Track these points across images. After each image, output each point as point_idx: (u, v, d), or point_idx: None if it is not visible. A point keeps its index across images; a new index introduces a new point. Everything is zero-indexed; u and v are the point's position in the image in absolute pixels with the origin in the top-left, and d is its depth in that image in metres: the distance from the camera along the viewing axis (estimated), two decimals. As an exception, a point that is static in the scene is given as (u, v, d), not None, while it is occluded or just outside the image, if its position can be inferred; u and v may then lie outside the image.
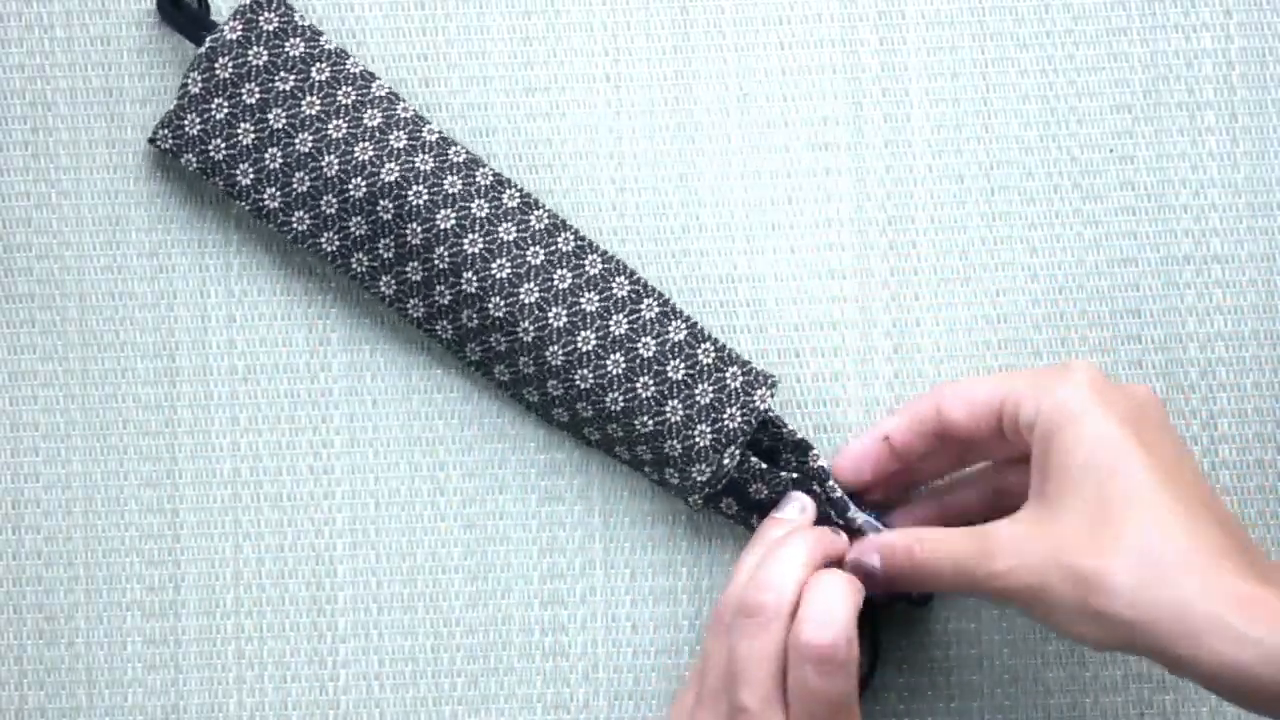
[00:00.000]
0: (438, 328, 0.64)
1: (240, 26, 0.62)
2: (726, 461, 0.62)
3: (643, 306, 0.63)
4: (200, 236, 0.68)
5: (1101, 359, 0.67)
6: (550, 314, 0.63)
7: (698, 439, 0.62)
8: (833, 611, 0.56)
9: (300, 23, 0.63)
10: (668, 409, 0.63)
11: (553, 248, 0.63)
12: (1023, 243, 0.67)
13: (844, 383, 0.67)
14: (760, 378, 0.63)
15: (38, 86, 0.69)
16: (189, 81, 0.63)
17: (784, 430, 0.62)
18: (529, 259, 0.62)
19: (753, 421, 0.62)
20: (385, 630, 0.67)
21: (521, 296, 0.62)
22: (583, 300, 0.63)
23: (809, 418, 0.67)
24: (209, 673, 0.67)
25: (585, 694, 0.67)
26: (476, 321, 0.63)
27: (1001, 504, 0.60)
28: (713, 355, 0.63)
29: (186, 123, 0.62)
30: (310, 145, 0.62)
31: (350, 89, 0.62)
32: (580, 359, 0.63)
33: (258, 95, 0.62)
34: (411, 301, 0.63)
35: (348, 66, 0.63)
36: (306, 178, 0.62)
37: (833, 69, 0.68)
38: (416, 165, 0.62)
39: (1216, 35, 0.68)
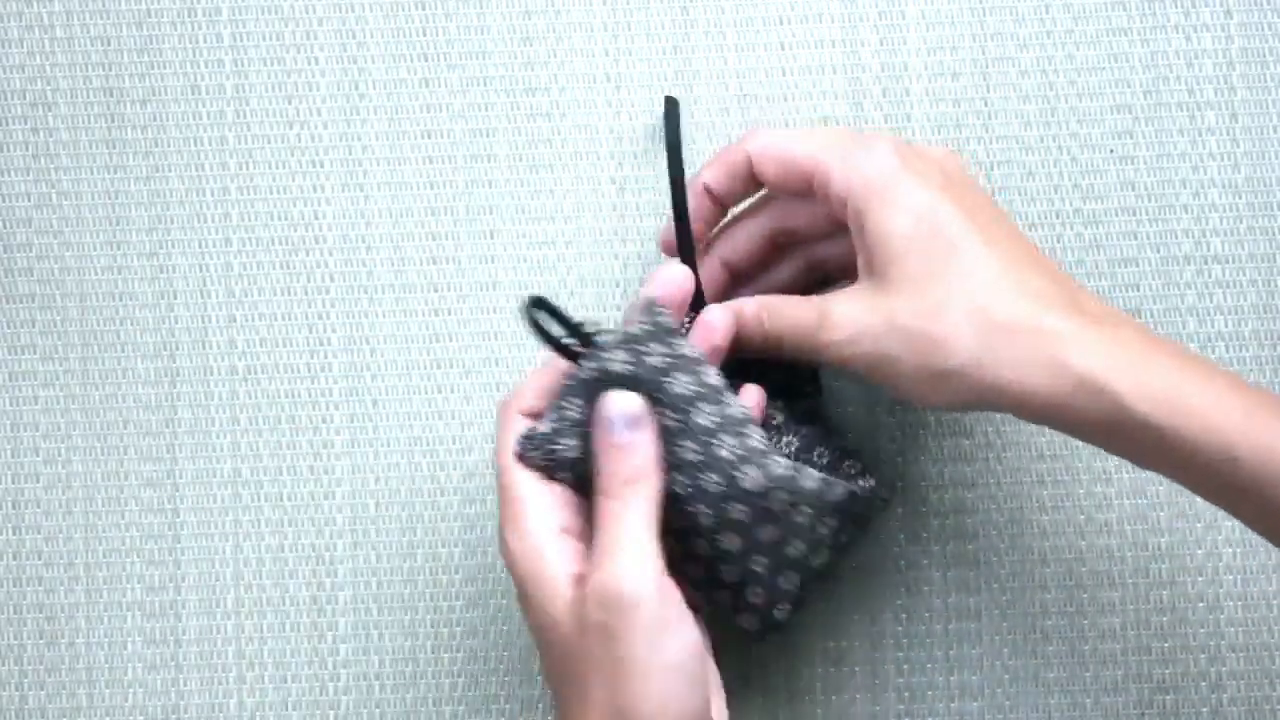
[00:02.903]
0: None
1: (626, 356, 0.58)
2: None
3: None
4: (200, 236, 0.68)
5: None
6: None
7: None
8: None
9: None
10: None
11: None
12: (1023, 243, 0.67)
13: (844, 382, 0.67)
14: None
15: (38, 86, 0.69)
16: (567, 405, 0.58)
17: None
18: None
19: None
20: (385, 630, 0.67)
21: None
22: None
23: (809, 418, 0.67)
24: (209, 673, 0.67)
25: (585, 694, 0.67)
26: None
27: (822, 282, 0.62)
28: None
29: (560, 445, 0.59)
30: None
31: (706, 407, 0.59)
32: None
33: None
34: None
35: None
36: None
37: (833, 69, 0.68)
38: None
39: (1216, 35, 0.68)
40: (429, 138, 0.68)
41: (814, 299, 0.58)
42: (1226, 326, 0.67)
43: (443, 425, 0.67)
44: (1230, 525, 0.66)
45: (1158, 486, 0.67)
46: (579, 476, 0.57)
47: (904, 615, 0.67)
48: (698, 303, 0.60)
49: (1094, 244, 0.67)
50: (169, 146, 0.68)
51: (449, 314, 0.68)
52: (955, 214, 0.56)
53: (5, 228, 0.68)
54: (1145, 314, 0.67)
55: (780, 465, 0.56)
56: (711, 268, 0.62)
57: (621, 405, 0.56)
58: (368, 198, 0.68)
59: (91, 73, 0.69)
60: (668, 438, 0.56)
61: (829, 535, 0.59)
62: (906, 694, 0.66)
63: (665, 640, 0.53)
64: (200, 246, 0.68)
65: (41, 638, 0.67)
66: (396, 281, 0.68)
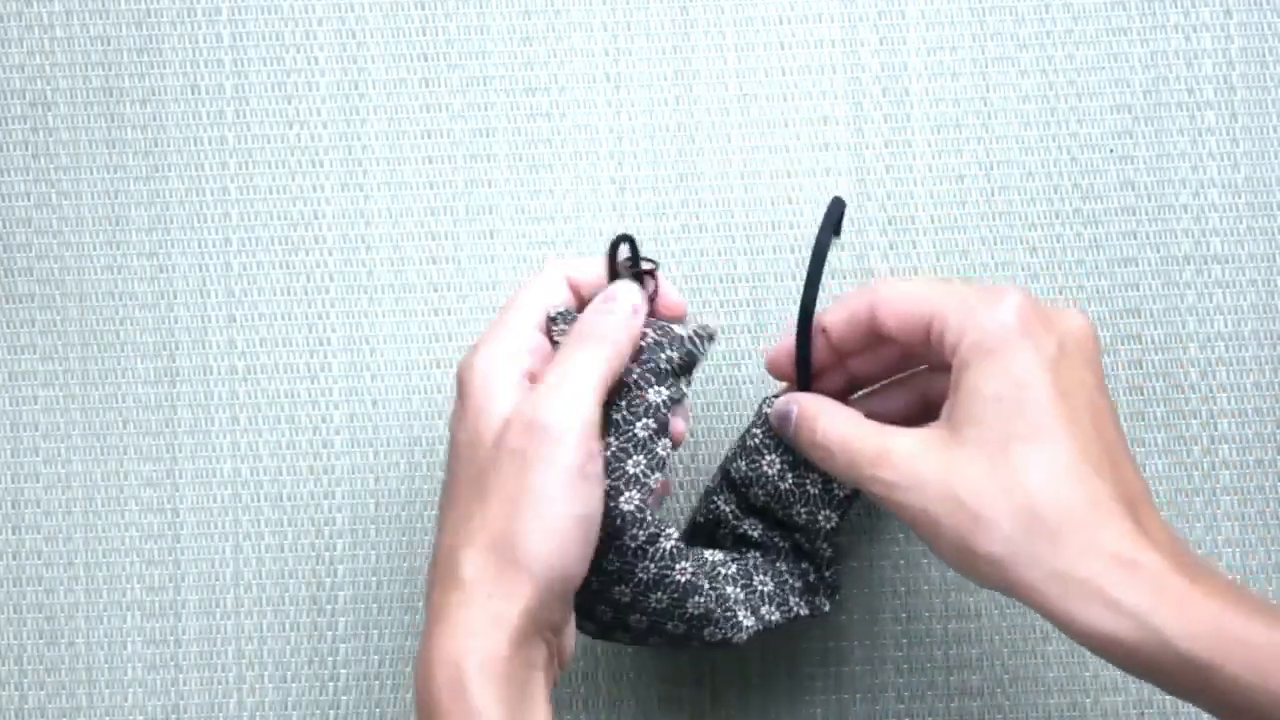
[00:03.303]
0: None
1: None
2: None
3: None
4: (200, 236, 0.68)
5: (1101, 360, 0.67)
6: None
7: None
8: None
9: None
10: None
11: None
12: (1022, 243, 0.67)
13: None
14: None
15: (38, 86, 0.69)
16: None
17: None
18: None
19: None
20: (385, 630, 0.67)
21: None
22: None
23: (809, 418, 0.67)
24: (209, 673, 0.67)
25: (586, 693, 0.67)
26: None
27: (929, 414, 0.59)
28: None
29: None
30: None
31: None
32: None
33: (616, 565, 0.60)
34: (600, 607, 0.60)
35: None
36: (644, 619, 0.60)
37: (833, 69, 0.68)
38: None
39: (1216, 35, 0.68)
40: (429, 138, 0.68)
41: (882, 428, 0.56)
42: (1226, 326, 0.67)
43: (442, 425, 0.67)
44: (1230, 525, 0.66)
45: (1158, 486, 0.67)
46: None
47: (904, 615, 0.67)
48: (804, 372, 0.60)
49: (1094, 244, 0.67)
50: (169, 146, 0.68)
51: (449, 314, 0.68)
52: (1048, 394, 0.53)
53: (5, 228, 0.68)
54: (1145, 314, 0.67)
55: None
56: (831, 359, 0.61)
57: (629, 289, 0.58)
58: (368, 198, 0.68)
59: (91, 73, 0.69)
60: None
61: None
62: (906, 694, 0.66)
63: (575, 488, 0.54)
64: (200, 246, 0.68)
65: (41, 638, 0.67)
66: (396, 281, 0.68)
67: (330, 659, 0.67)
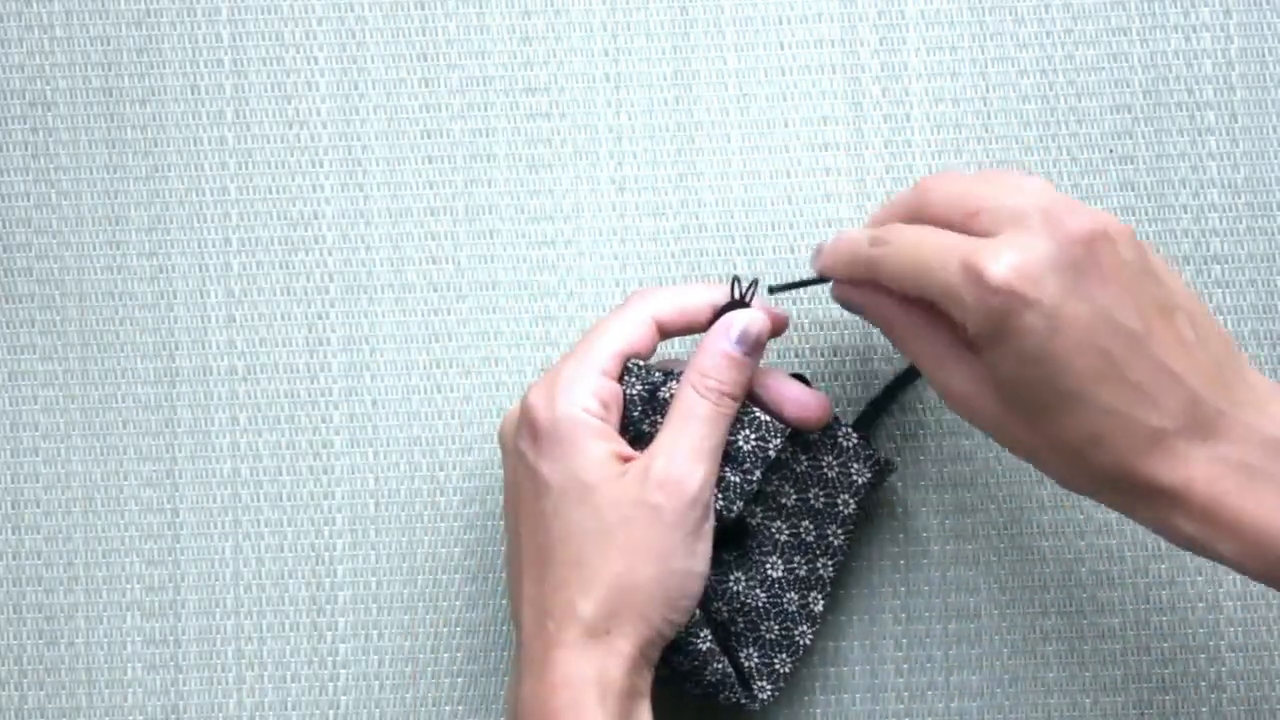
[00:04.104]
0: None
1: None
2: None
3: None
4: (200, 236, 0.68)
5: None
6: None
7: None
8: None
9: None
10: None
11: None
12: (1022, 243, 0.67)
13: (844, 382, 0.67)
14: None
15: (38, 86, 0.69)
16: None
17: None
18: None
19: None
20: (385, 630, 0.67)
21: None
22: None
23: (809, 418, 0.67)
24: (209, 673, 0.67)
25: (585, 694, 0.67)
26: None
27: None
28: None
29: None
30: None
31: None
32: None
33: None
34: None
35: None
36: None
37: (833, 69, 0.68)
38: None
39: (1216, 35, 0.68)
40: (429, 138, 0.68)
41: (948, 347, 0.57)
42: (1226, 326, 0.67)
43: (443, 425, 0.67)
44: (1230, 525, 0.66)
45: (1157, 486, 0.67)
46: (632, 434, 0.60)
47: (904, 615, 0.67)
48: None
49: (1094, 244, 0.67)
50: (169, 146, 0.68)
51: (449, 314, 0.68)
52: (1067, 360, 0.53)
53: (5, 228, 0.68)
54: (1145, 314, 0.67)
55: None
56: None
57: (751, 320, 0.60)
58: (367, 198, 0.68)
59: (91, 73, 0.69)
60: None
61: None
62: (906, 694, 0.66)
63: (698, 546, 0.58)
64: (200, 246, 0.68)
65: (41, 638, 0.67)
66: (396, 281, 0.68)
67: (330, 659, 0.67)
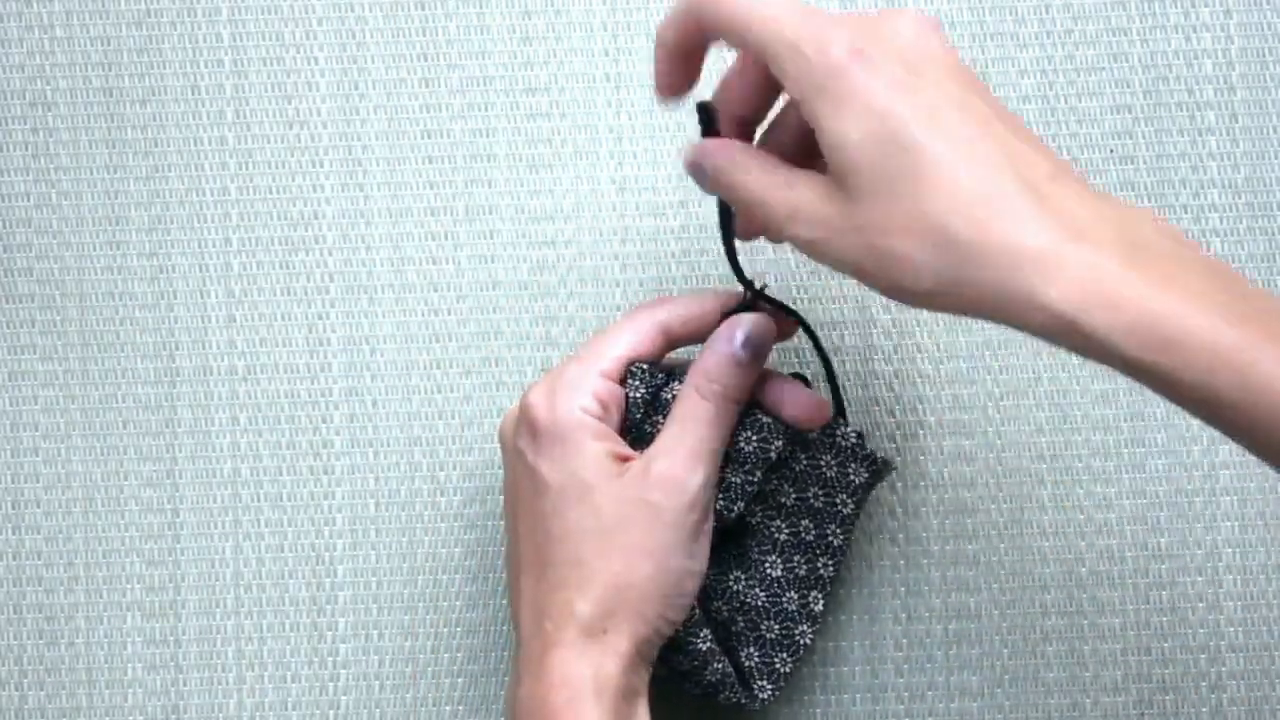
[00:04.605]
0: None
1: None
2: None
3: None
4: (200, 236, 0.68)
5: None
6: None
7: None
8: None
9: None
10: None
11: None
12: (1023, 243, 0.67)
13: (843, 382, 0.67)
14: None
15: (38, 86, 0.69)
16: None
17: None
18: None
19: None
20: (385, 630, 0.67)
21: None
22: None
23: (809, 418, 0.67)
24: (209, 673, 0.67)
25: (585, 694, 0.67)
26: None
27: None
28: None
29: None
30: None
31: None
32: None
33: None
34: None
35: None
36: None
37: (833, 69, 0.68)
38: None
39: (1216, 35, 0.68)
40: (429, 138, 0.68)
41: (792, 176, 0.53)
42: (1226, 326, 0.67)
43: (443, 425, 0.67)
44: (1230, 525, 0.66)
45: (1158, 486, 0.67)
46: (633, 434, 0.60)
47: (904, 615, 0.67)
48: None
49: (1094, 244, 0.67)
50: (169, 146, 0.68)
51: (449, 314, 0.68)
52: (913, 117, 0.50)
53: (5, 228, 0.68)
54: (1145, 314, 0.67)
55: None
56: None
57: (756, 324, 0.59)
58: (368, 198, 0.68)
59: (91, 73, 0.69)
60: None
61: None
62: (906, 694, 0.66)
63: (697, 546, 0.58)
64: (200, 246, 0.68)
65: (41, 638, 0.67)
66: (396, 281, 0.68)
67: (330, 659, 0.67)
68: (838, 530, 0.62)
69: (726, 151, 0.55)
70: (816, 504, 0.62)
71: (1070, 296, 0.48)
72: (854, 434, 0.61)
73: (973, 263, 0.49)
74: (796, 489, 0.62)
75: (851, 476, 0.62)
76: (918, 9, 0.67)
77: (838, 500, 0.62)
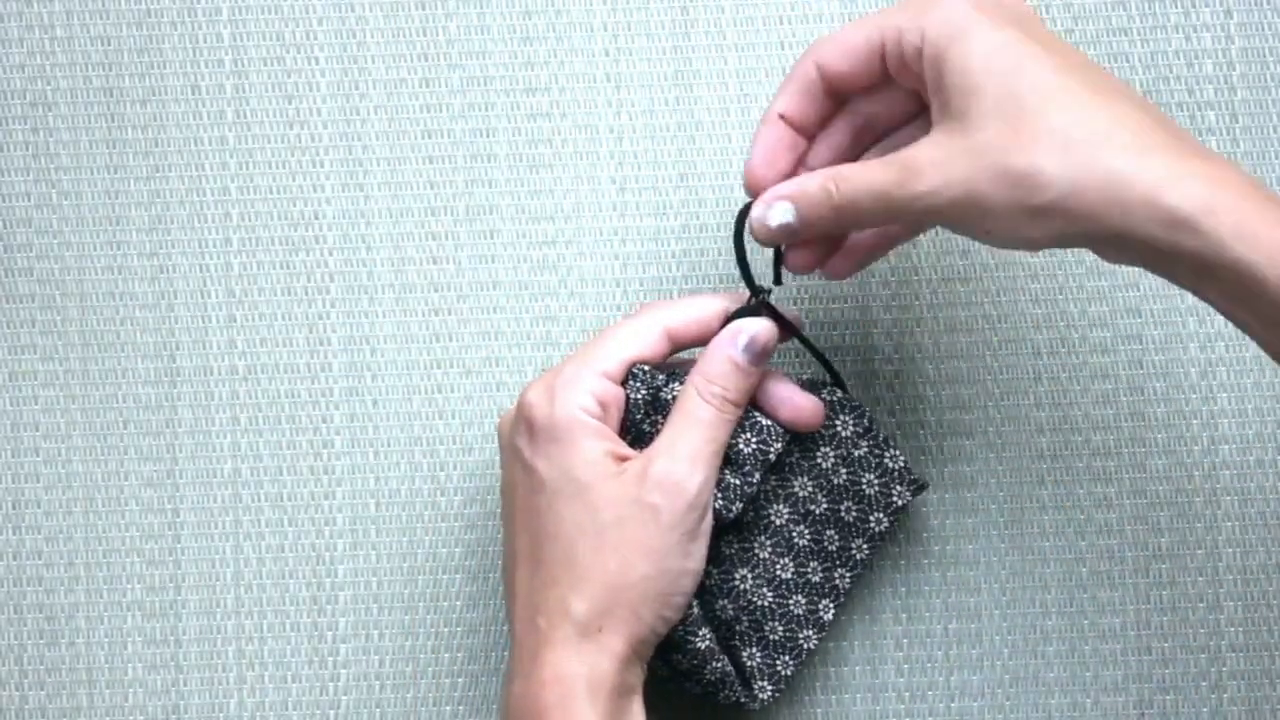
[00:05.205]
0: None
1: None
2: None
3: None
4: (200, 236, 0.68)
5: (1101, 359, 0.67)
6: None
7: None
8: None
9: None
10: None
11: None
12: (1023, 243, 0.67)
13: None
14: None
15: (38, 86, 0.69)
16: None
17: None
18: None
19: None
20: (385, 630, 0.67)
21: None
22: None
23: (809, 418, 0.67)
24: (209, 673, 0.67)
25: (585, 694, 0.67)
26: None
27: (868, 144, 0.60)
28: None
29: None
30: None
31: None
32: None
33: None
34: None
35: None
36: None
37: (833, 69, 0.68)
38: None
39: (1216, 35, 0.68)
40: (429, 138, 0.68)
41: (887, 157, 0.56)
42: (1226, 326, 0.67)
43: (443, 425, 0.67)
44: (1230, 525, 0.66)
45: (1158, 486, 0.67)
46: (632, 433, 0.60)
47: (904, 615, 0.67)
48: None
49: (1094, 244, 0.67)
50: (169, 146, 0.68)
51: (449, 314, 0.68)
52: (1035, 49, 0.53)
53: (5, 228, 0.68)
54: (1145, 314, 0.67)
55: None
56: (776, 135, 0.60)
57: (760, 330, 0.59)
58: (368, 198, 0.68)
59: (91, 73, 0.69)
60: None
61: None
62: (906, 694, 0.66)
63: (694, 547, 0.58)
64: (200, 246, 0.68)
65: (41, 638, 0.67)
66: (396, 281, 0.68)
67: (330, 659, 0.67)
68: (864, 545, 0.62)
69: (809, 178, 0.57)
70: (848, 518, 0.62)
71: (1195, 203, 0.51)
72: (902, 457, 0.62)
73: (1100, 170, 0.52)
74: (830, 500, 0.62)
75: (894, 498, 0.62)
76: None
77: (871, 518, 0.62)
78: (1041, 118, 0.52)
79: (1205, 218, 0.50)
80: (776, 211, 0.57)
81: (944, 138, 0.54)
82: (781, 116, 0.58)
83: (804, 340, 0.62)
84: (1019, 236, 0.54)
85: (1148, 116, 0.53)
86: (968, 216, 0.54)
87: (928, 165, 0.54)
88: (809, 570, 0.62)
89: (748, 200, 0.59)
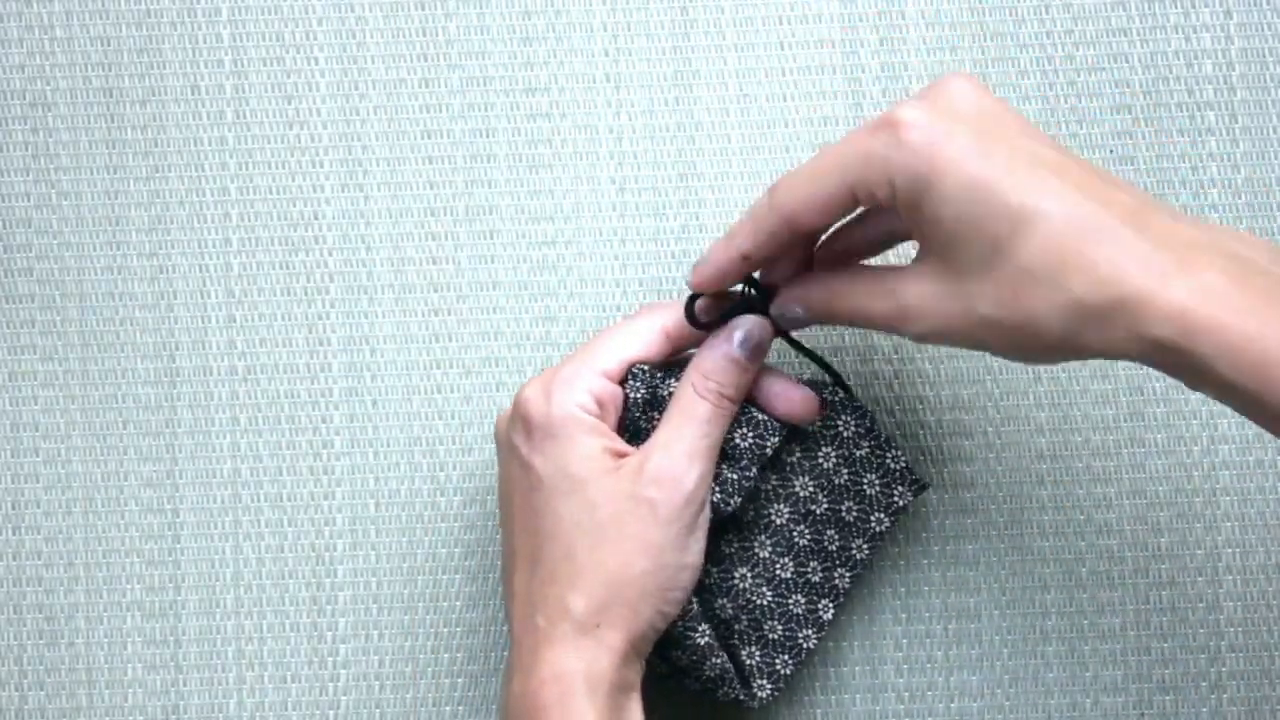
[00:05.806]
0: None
1: None
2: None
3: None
4: (200, 237, 0.68)
5: (1102, 361, 0.67)
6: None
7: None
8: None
9: None
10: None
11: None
12: (1023, 243, 0.67)
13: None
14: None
15: (38, 86, 0.69)
16: None
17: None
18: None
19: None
20: (385, 630, 0.67)
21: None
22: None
23: (809, 418, 0.67)
24: (209, 673, 0.67)
25: (585, 694, 0.67)
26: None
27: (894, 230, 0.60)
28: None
29: None
30: None
31: None
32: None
33: None
34: None
35: None
36: None
37: (833, 69, 0.68)
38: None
39: (1216, 35, 0.68)
40: (429, 138, 0.68)
41: (885, 282, 0.56)
42: (1226, 326, 0.67)
43: (443, 425, 0.67)
44: (1230, 525, 0.66)
45: (1158, 486, 0.67)
46: (630, 431, 0.60)
47: (904, 615, 0.67)
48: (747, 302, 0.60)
49: (1094, 244, 0.67)
50: (169, 146, 0.68)
51: (449, 314, 0.68)
52: (1001, 171, 0.52)
53: (5, 228, 0.68)
54: (1145, 314, 0.67)
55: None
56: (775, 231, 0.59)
57: (754, 327, 0.60)
58: (368, 198, 0.68)
59: (91, 73, 0.69)
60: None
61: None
62: (906, 694, 0.66)
63: (693, 542, 0.58)
64: (200, 246, 0.68)
65: (41, 638, 0.67)
66: (396, 281, 0.68)
67: (330, 659, 0.67)
68: (864, 545, 0.62)
69: (819, 286, 0.58)
70: (849, 518, 0.62)
71: (1176, 331, 0.50)
72: (904, 458, 0.62)
73: (1092, 314, 0.51)
74: (831, 500, 0.62)
75: (896, 499, 0.62)
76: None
77: (872, 518, 0.62)
78: (1022, 264, 0.52)
79: (1186, 341, 0.50)
80: (791, 317, 0.59)
81: (933, 275, 0.54)
82: (746, 256, 0.58)
83: (796, 345, 0.62)
84: (1019, 361, 0.55)
85: (1119, 205, 0.52)
86: (969, 347, 0.55)
87: (924, 308, 0.54)
88: (809, 570, 0.62)
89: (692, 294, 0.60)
